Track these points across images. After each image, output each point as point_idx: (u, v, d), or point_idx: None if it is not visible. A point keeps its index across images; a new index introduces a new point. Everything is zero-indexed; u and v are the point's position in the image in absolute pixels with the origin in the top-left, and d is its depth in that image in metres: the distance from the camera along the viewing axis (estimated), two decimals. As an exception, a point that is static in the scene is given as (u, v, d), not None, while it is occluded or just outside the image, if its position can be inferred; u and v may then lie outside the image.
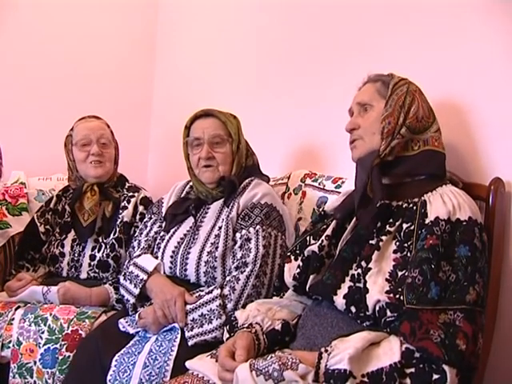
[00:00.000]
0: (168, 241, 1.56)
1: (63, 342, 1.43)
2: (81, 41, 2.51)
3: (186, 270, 1.48)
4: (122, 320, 1.44)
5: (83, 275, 1.77)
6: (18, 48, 2.35)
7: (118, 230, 1.79)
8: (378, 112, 1.18)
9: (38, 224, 1.87)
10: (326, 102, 1.80)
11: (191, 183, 1.66)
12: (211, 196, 1.57)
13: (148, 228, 1.66)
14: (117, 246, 1.77)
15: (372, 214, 1.11)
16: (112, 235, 1.79)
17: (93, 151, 1.82)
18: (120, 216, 1.82)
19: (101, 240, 1.79)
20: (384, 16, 1.61)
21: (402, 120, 1.16)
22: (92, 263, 1.76)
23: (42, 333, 1.46)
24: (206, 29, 2.47)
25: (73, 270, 1.78)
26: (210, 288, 1.40)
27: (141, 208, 1.84)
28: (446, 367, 0.89)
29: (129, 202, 1.85)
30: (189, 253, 1.49)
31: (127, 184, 1.94)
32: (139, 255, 1.57)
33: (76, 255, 1.78)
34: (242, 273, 1.39)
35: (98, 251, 1.77)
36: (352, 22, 1.73)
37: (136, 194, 1.88)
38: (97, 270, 1.76)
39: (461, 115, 1.34)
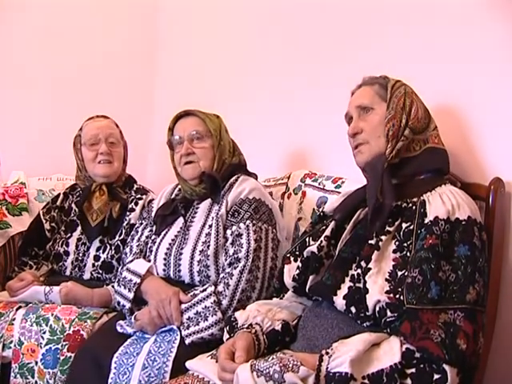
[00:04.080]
0: (160, 243, 1.56)
1: (65, 343, 1.43)
2: (82, 41, 2.50)
3: (179, 270, 1.48)
4: (120, 321, 1.44)
5: (86, 275, 1.77)
6: (19, 48, 2.35)
7: (124, 231, 1.79)
8: (381, 115, 1.18)
9: (44, 221, 1.87)
10: (327, 102, 1.80)
11: (179, 186, 1.67)
12: (195, 193, 1.57)
13: (139, 233, 1.66)
14: (122, 247, 1.76)
15: (384, 218, 1.11)
16: (118, 237, 1.79)
17: (101, 150, 1.81)
18: (127, 218, 1.81)
19: (106, 241, 1.79)
20: (382, 17, 1.61)
21: (405, 122, 1.17)
22: (96, 264, 1.76)
23: (44, 333, 1.46)
24: (205, 30, 2.47)
25: (76, 269, 1.78)
26: (205, 286, 1.41)
27: None
28: (446, 367, 0.89)
29: (136, 204, 1.84)
30: (181, 253, 1.49)
31: (135, 186, 1.93)
32: (131, 260, 1.57)
33: (80, 255, 1.78)
34: (235, 268, 1.39)
35: (103, 252, 1.77)
36: (350, 22, 1.73)
37: (144, 197, 1.86)
38: (100, 271, 1.76)
39: (461, 115, 1.34)
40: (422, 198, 1.11)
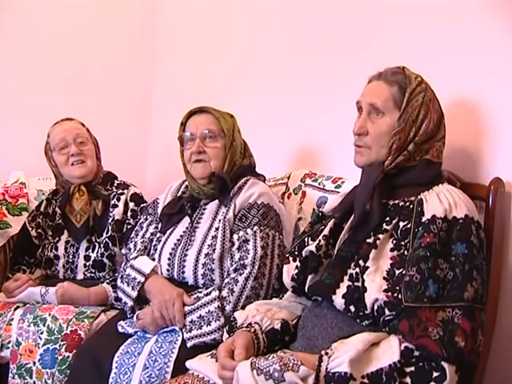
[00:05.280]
0: (165, 242, 1.54)
1: (62, 343, 1.43)
2: (82, 41, 2.50)
3: (183, 272, 1.47)
4: (121, 322, 1.44)
5: (80, 276, 1.77)
6: (19, 48, 2.35)
7: (110, 228, 1.79)
8: (390, 124, 1.13)
9: (30, 228, 1.87)
10: (327, 102, 1.80)
11: (186, 183, 1.65)
12: (203, 193, 1.55)
13: (144, 229, 1.65)
14: (110, 244, 1.77)
15: (365, 234, 1.11)
16: (105, 234, 1.78)
17: (72, 152, 1.80)
18: (111, 214, 1.81)
19: (94, 240, 1.79)
20: (391, 14, 1.59)
21: (412, 136, 1.13)
22: (87, 264, 1.76)
23: (41, 333, 1.46)
24: (205, 29, 2.47)
25: (69, 271, 1.78)
26: (209, 290, 1.40)
27: (131, 205, 1.83)
28: (445, 364, 0.90)
29: (119, 199, 1.84)
30: (186, 255, 1.48)
31: (116, 181, 1.92)
32: (136, 257, 1.56)
33: (71, 257, 1.78)
34: (240, 275, 1.38)
35: (92, 251, 1.77)
36: (357, 20, 1.72)
37: (125, 191, 1.86)
38: (93, 270, 1.76)
39: (461, 116, 1.34)
40: (419, 196, 1.10)
